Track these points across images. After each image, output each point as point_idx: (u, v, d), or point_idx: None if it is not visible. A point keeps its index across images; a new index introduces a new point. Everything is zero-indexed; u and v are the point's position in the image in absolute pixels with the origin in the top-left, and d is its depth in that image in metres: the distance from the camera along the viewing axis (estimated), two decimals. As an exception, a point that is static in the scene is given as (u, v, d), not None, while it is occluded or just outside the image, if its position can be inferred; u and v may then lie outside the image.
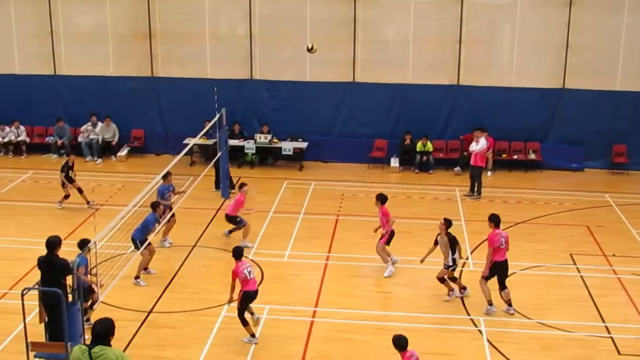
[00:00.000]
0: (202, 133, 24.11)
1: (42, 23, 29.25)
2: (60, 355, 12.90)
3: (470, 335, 16.19)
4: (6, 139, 29.32)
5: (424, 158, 27.52)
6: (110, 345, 9.69)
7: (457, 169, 27.43)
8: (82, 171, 26.80)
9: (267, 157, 28.38)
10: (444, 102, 28.06)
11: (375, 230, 19.50)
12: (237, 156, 27.38)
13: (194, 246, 20.39)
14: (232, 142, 26.73)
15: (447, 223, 17.44)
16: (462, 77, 27.86)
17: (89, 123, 29.02)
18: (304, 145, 28.05)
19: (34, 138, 29.84)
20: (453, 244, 17.37)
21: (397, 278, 18.79)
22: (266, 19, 28.38)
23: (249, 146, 27.67)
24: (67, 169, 23.19)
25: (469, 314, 16.97)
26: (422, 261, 17.91)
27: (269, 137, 27.86)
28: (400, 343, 13.07)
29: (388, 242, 19.25)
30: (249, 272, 15.61)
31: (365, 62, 28.15)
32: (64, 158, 28.35)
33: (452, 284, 17.74)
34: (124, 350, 14.55)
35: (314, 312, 17.07)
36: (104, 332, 9.68)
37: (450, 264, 17.39)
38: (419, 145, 27.55)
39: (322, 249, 20.47)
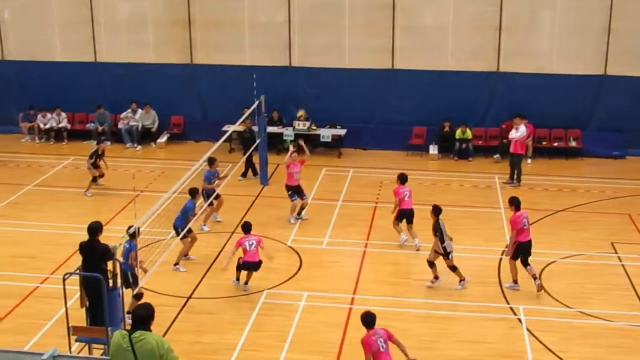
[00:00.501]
0: (240, 120, 24.18)
1: (82, 10, 29.46)
2: (101, 339, 13.04)
3: (510, 324, 16.11)
4: (48, 126, 29.63)
5: (463, 145, 27.36)
6: (150, 331, 9.75)
7: (497, 156, 27.23)
8: (122, 157, 27.12)
9: (306, 143, 28.32)
10: (484, 88, 27.83)
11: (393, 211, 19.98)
12: (275, 143, 27.40)
13: (233, 232, 20.44)
14: (271, 129, 26.75)
15: (436, 210, 17.44)
16: (501, 63, 27.60)
17: (129, 110, 29.22)
18: (342, 132, 28.00)
19: (74, 124, 30.11)
20: (438, 231, 17.20)
21: (436, 265, 18.69)
22: (305, 5, 28.36)
23: (288, 133, 27.68)
24: (95, 156, 23.53)
25: (508, 303, 16.87)
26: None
27: (308, 124, 27.86)
28: (366, 320, 12.74)
29: (399, 219, 19.76)
30: (250, 245, 17.04)
31: (404, 49, 28.00)
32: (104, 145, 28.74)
33: (454, 273, 17.49)
34: (164, 336, 14.66)
35: (352, 299, 17.08)
36: (144, 317, 9.74)
37: (442, 251, 17.21)
38: (458, 133, 27.39)
39: (360, 236, 20.46)
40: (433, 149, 27.71)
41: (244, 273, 17.38)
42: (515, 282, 17.40)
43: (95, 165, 23.59)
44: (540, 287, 17.12)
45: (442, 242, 17.12)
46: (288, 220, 21.46)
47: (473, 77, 27.65)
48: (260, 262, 17.07)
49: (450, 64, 27.84)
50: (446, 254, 17.21)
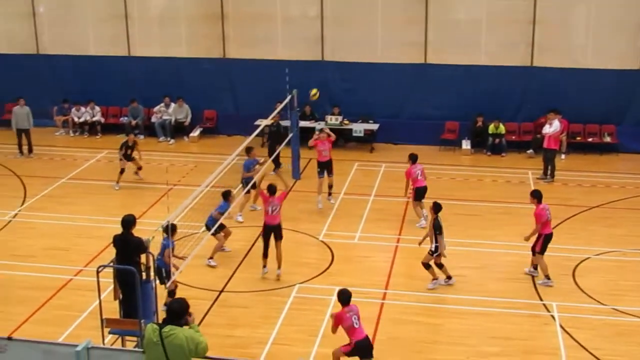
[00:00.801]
0: (273, 114, 24.23)
1: (116, 5, 29.65)
2: (134, 332, 13.13)
3: (543, 320, 16.02)
4: (82, 119, 29.86)
5: (496, 140, 27.20)
6: (181, 326, 9.78)
7: (530, 151, 27.04)
8: (155, 151, 27.24)
9: (338, 138, 28.30)
10: (517, 83, 27.61)
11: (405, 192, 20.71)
12: (307, 138, 27.36)
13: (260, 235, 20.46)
14: (303, 123, 26.75)
15: (436, 207, 17.22)
16: (535, 57, 27.36)
17: (162, 104, 29.36)
18: (374, 126, 27.95)
19: (108, 118, 30.34)
20: (438, 229, 16.97)
21: (468, 261, 18.65)
22: (337, 0, 28.29)
23: (319, 128, 27.59)
24: (125, 147, 23.68)
25: (541, 299, 16.77)
26: (420, 244, 17.78)
27: (340, 118, 27.84)
28: (343, 297, 13.36)
29: (417, 199, 20.66)
30: (273, 209, 17.30)
31: (436, 43, 27.86)
32: (137, 138, 28.89)
33: (438, 271, 17.33)
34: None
35: (384, 294, 17.06)
36: (177, 311, 9.77)
37: (433, 249, 17.01)
38: (491, 128, 27.23)
39: (392, 231, 20.42)
40: (466, 144, 27.58)
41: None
42: (548, 277, 17.32)
43: (128, 157, 23.74)
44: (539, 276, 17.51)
45: (436, 240, 16.93)
46: (316, 205, 21.70)
47: (506, 71, 27.44)
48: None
49: (483, 58, 27.67)
50: (433, 252, 17.00)
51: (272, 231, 17.55)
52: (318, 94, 24.40)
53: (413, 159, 20.78)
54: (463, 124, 27.84)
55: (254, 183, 20.44)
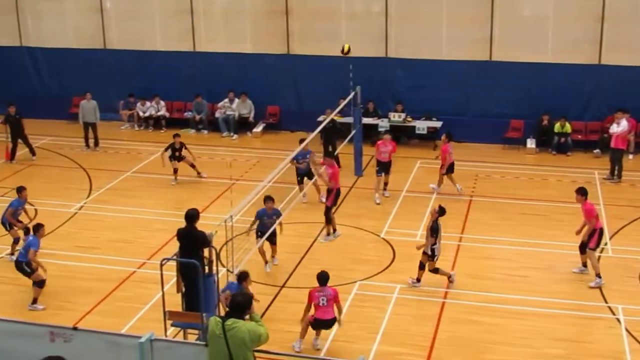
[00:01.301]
0: (336, 111, 24.21)
1: (182, 0, 29.92)
2: (196, 325, 13.24)
3: (608, 323, 15.73)
4: (147, 114, 30.20)
5: (562, 139, 26.79)
6: (244, 319, 9.81)
7: (597, 151, 26.58)
8: (218, 146, 27.46)
9: (401, 136, 28.20)
10: (584, 81, 27.14)
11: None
12: (370, 135, 27.31)
13: (322, 229, 20.44)
14: (366, 120, 26.69)
15: (441, 211, 16.84)
16: (603, 55, 26.87)
17: (226, 99, 29.53)
18: (438, 124, 27.75)
19: (173, 113, 30.62)
20: (435, 232, 16.61)
21: (531, 261, 18.42)
22: (402, -5, 28.22)
23: (383, 124, 27.55)
24: (171, 149, 23.70)
25: (606, 302, 16.47)
26: (418, 248, 17.32)
27: (403, 115, 27.70)
28: (320, 278, 14.68)
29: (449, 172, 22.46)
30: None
31: (502, 40, 27.55)
32: (201, 133, 29.15)
33: (420, 272, 17.06)
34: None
35: (446, 293, 16.93)
36: (241, 305, 9.80)
37: (429, 252, 16.64)
38: (557, 126, 26.83)
39: (454, 230, 20.23)
40: (530, 143, 27.22)
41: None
42: (599, 275, 17.04)
43: (177, 158, 23.78)
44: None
45: (434, 243, 16.60)
46: (374, 201, 21.86)
47: (573, 69, 27.00)
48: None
49: (550, 56, 27.27)
50: (432, 256, 16.71)
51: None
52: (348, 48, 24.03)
53: (450, 137, 22.61)
54: (528, 122, 27.48)
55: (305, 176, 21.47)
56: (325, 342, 14.95)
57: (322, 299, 14.49)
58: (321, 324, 14.70)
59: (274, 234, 17.76)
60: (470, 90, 28.09)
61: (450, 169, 22.41)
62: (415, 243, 19.15)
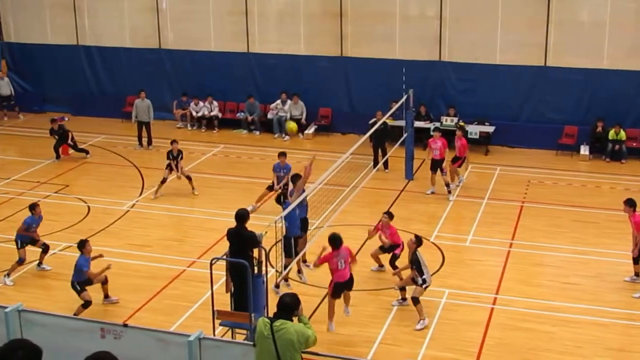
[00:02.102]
0: (388, 114, 24.17)
1: (237, 1, 30.11)
2: (244, 324, 13.30)
3: (659, 334, 15.52)
4: (200, 114, 30.43)
5: (616, 147, 26.43)
6: (292, 320, 9.84)
7: (652, 159, 26.23)
8: (270, 147, 27.51)
9: (452, 139, 28.01)
10: (640, 88, 26.83)
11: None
12: (422, 138, 27.20)
13: (375, 227, 20.44)
14: (418, 123, 26.60)
15: (418, 241, 16.00)
16: (661, 63, 26.54)
17: (279, 100, 29.63)
18: (490, 129, 27.56)
19: (225, 113, 30.80)
20: (416, 264, 15.72)
21: (583, 269, 18.24)
22: (457, 0, 28.03)
23: (435, 127, 27.37)
24: (170, 156, 22.99)
25: (658, 312, 16.26)
26: (394, 274, 17.05)
27: (455, 119, 27.56)
28: (333, 241, 15.04)
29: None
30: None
31: (558, 46, 27.25)
32: (253, 134, 29.29)
33: (401, 292, 16.57)
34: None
35: (495, 299, 16.82)
36: (289, 306, 9.81)
37: (420, 282, 15.69)
38: (612, 133, 26.48)
39: (505, 235, 20.11)
40: (584, 149, 26.89)
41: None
42: None
43: (170, 167, 23.04)
44: None
45: (422, 273, 15.67)
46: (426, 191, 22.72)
47: (630, 75, 26.59)
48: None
49: (606, 62, 26.93)
50: (422, 284, 15.71)
51: None
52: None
53: (465, 132, 24.10)
54: (582, 128, 27.15)
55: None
56: (372, 345, 14.93)
57: (340, 262, 14.98)
58: (341, 286, 15.14)
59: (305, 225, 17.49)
60: (524, 95, 27.84)
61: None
62: (465, 248, 19.09)
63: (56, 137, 26.39)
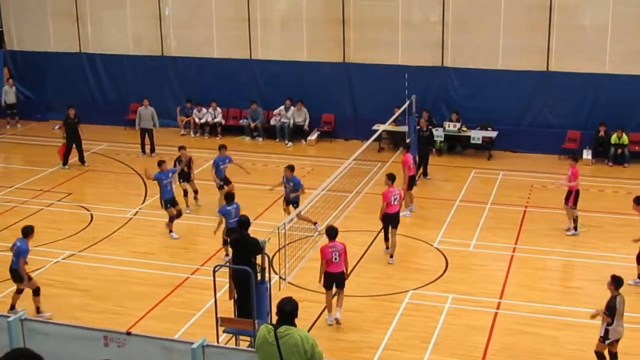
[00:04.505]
0: (391, 119, 24.19)
1: (240, 8, 30.14)
2: (248, 331, 13.28)
3: (664, 337, 15.48)
4: (203, 120, 30.46)
5: (619, 151, 26.44)
6: (295, 325, 9.83)
7: (655, 162, 26.21)
8: (273, 154, 27.55)
9: (456, 145, 28.09)
10: (643, 93, 26.79)
11: None
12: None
13: (380, 231, 20.43)
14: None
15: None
16: (663, 67, 26.53)
17: (283, 107, 29.64)
18: (493, 134, 27.58)
19: (228, 120, 30.83)
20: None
21: (587, 273, 18.23)
22: (460, 5, 28.01)
23: (438, 134, 27.43)
24: (177, 163, 22.13)
25: (663, 315, 16.22)
26: None
27: (458, 125, 27.57)
28: (330, 232, 15.49)
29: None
30: (395, 199, 18.33)
31: (560, 50, 27.26)
32: (257, 141, 29.30)
33: None
34: (308, 331, 14.81)
35: (499, 303, 16.80)
36: (291, 311, 9.82)
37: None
38: (614, 138, 26.48)
39: (508, 240, 20.09)
40: (587, 154, 26.88)
41: None
42: None
43: (186, 177, 22.47)
44: None
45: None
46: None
47: (632, 80, 26.59)
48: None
49: (607, 67, 26.92)
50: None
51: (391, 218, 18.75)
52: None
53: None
54: (585, 133, 27.15)
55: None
56: (377, 351, 14.91)
57: (335, 254, 15.36)
58: (331, 277, 15.51)
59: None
60: (527, 100, 27.85)
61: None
62: (469, 253, 19.10)
63: (66, 127, 26.23)
